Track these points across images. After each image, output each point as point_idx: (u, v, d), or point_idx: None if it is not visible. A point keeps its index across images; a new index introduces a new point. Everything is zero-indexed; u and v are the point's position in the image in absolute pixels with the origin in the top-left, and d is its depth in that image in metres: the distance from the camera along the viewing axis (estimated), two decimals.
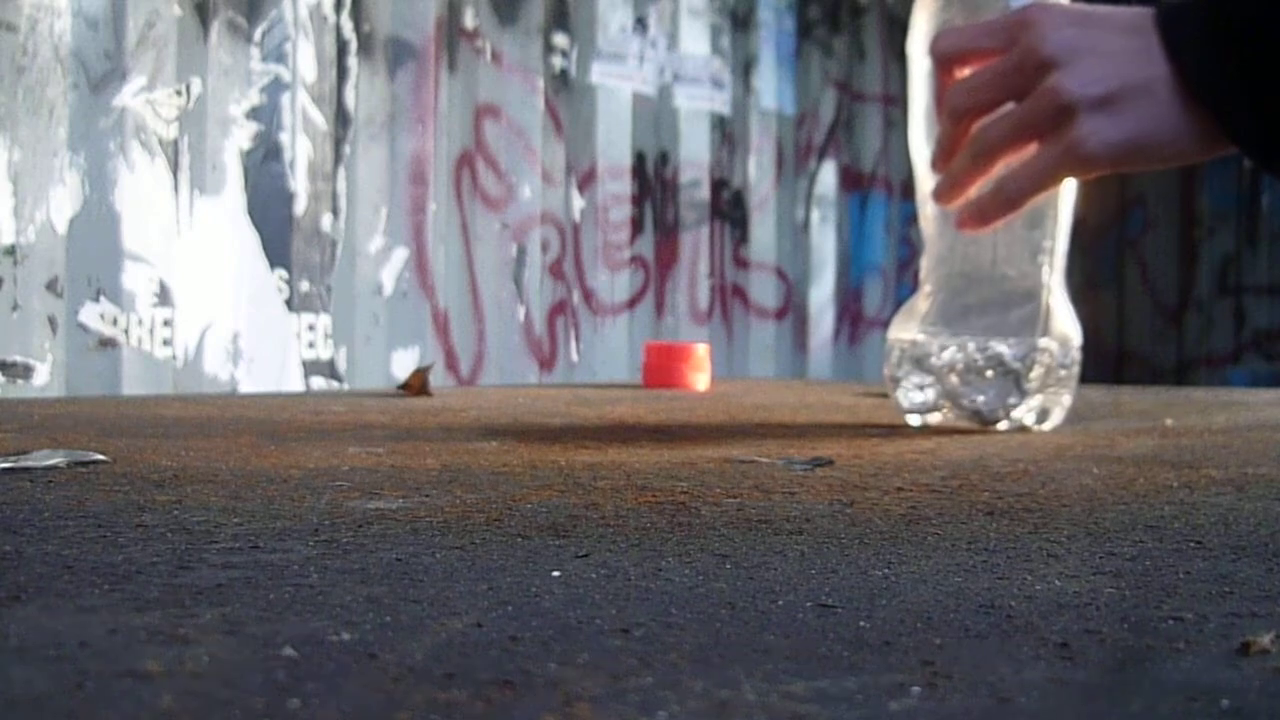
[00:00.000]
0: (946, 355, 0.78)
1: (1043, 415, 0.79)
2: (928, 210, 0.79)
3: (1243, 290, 5.78)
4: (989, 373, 0.77)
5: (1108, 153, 0.67)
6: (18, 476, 0.52)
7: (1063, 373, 0.77)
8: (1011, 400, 0.77)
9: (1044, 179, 0.70)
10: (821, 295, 4.43)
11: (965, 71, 0.72)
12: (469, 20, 2.61)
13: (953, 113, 0.73)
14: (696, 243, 3.99)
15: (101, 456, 0.58)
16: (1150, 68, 0.65)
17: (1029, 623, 0.30)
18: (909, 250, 4.83)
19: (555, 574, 0.35)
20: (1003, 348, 0.77)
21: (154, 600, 0.31)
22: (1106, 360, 6.16)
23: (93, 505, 0.45)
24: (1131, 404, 1.04)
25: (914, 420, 0.80)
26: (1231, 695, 0.25)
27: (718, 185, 4.08)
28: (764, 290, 4.28)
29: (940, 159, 0.74)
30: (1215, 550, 0.40)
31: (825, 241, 4.42)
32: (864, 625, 0.30)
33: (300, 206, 2.00)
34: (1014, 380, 0.77)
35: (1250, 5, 0.62)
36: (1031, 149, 0.70)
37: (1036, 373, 0.77)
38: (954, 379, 0.78)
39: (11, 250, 1.58)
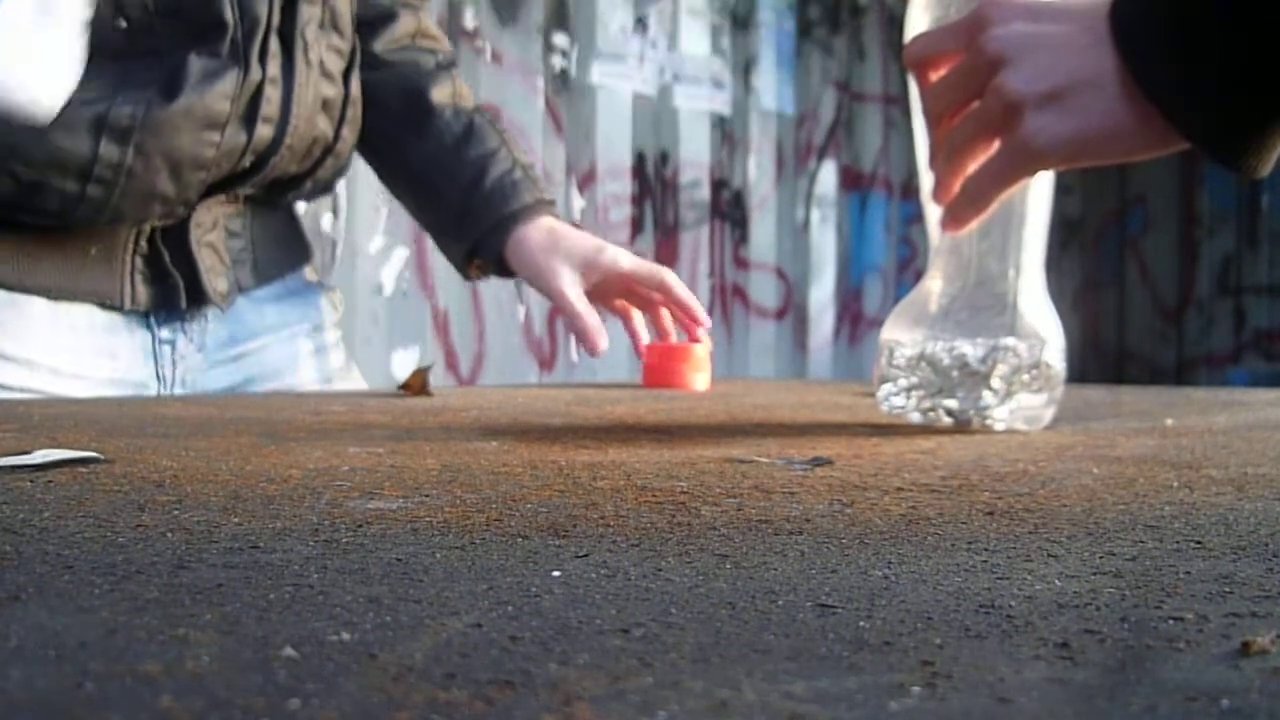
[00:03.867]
0: (915, 354, 0.78)
1: (1024, 417, 0.78)
2: (930, 210, 0.79)
3: (1243, 290, 5.79)
4: (954, 373, 0.77)
5: (1057, 149, 0.67)
6: (18, 476, 0.52)
7: (1034, 372, 0.77)
8: (982, 401, 0.77)
9: (1001, 178, 0.70)
10: (821, 295, 4.43)
11: (941, 72, 0.73)
12: (469, 20, 2.61)
13: (927, 116, 0.74)
14: (696, 243, 3.98)
15: (101, 456, 0.58)
16: (1100, 61, 0.65)
17: (1029, 623, 0.30)
18: (909, 250, 4.84)
19: (555, 574, 0.35)
20: (966, 348, 0.77)
21: (154, 600, 0.31)
22: (1106, 360, 6.17)
23: (93, 505, 0.46)
24: (1131, 404, 1.04)
25: (915, 418, 0.80)
26: (1231, 695, 0.25)
27: (718, 185, 4.07)
28: (764, 290, 4.27)
29: (930, 160, 0.75)
30: (1215, 550, 0.40)
31: (825, 241, 4.42)
32: (864, 625, 0.30)
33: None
34: (980, 381, 0.77)
35: None
36: (996, 147, 0.70)
37: (1001, 372, 0.76)
38: (924, 379, 0.78)
39: None
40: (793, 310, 4.41)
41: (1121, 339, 6.08)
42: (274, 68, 1.03)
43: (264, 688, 0.24)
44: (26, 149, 0.94)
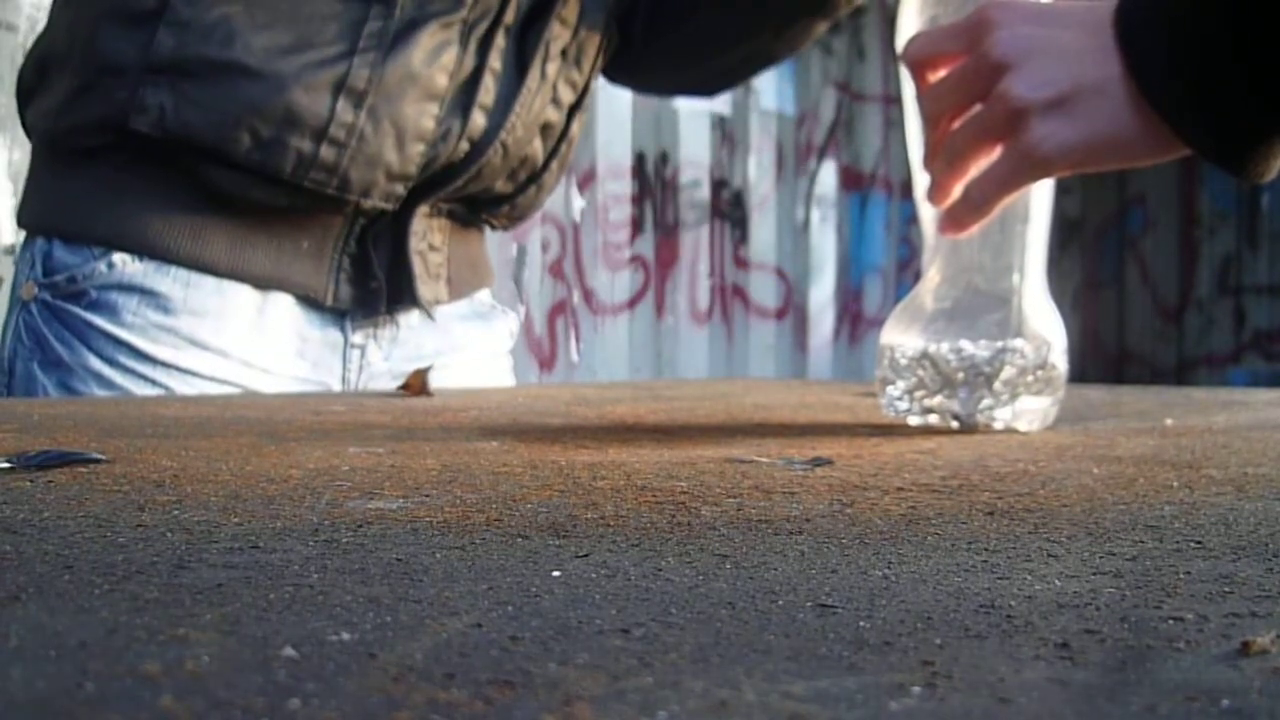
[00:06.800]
0: (917, 355, 0.78)
1: (1026, 419, 0.78)
2: (924, 210, 0.79)
3: (1243, 290, 5.80)
4: (960, 375, 0.77)
5: (1063, 156, 0.66)
6: (18, 476, 0.52)
7: (1039, 373, 0.77)
8: (985, 403, 0.77)
9: (1005, 184, 0.70)
10: (821, 295, 4.43)
11: (940, 73, 0.72)
12: None
13: (926, 117, 0.74)
14: (696, 243, 3.98)
15: (101, 456, 0.58)
16: (1105, 67, 0.65)
17: (1029, 623, 0.30)
18: (909, 250, 4.84)
19: (555, 574, 0.35)
20: (972, 349, 0.77)
21: (154, 600, 0.31)
22: (1106, 360, 6.18)
23: (93, 505, 0.46)
24: (1131, 404, 1.04)
25: (914, 420, 0.80)
26: (1231, 695, 0.25)
27: (718, 185, 4.07)
28: (764, 290, 4.27)
29: (926, 161, 0.75)
30: (1215, 550, 0.40)
31: (825, 241, 4.42)
32: (864, 625, 0.30)
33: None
34: (985, 382, 0.77)
35: (1198, 2, 0.61)
36: (998, 151, 0.70)
37: (1007, 374, 0.76)
38: (928, 381, 0.78)
39: (12, 250, 1.59)
40: (793, 310, 4.41)
41: (1121, 339, 6.08)
42: (496, 59, 1.04)
43: (264, 688, 0.24)
44: (268, 106, 0.96)
